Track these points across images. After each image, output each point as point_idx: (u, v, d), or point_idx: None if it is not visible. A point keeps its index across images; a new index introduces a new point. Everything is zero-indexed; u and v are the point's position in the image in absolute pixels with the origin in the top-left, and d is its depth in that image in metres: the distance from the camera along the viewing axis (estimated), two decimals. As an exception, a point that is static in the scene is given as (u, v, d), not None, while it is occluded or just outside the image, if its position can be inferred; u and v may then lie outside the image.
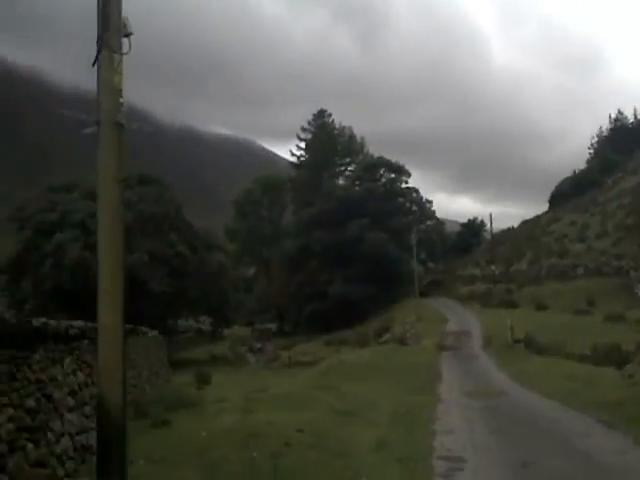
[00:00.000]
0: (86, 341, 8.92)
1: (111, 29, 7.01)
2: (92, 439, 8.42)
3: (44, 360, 7.23)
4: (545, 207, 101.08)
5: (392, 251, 62.73)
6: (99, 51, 6.99)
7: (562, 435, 9.67)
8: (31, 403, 6.68)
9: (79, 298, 29.98)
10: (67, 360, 8.13)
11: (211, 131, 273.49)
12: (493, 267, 58.98)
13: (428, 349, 29.52)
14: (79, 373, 8.59)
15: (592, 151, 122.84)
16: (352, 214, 63.06)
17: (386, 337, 41.71)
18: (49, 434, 7.06)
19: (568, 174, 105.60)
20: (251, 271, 79.82)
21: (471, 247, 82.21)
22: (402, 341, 35.56)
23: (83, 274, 35.08)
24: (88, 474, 6.75)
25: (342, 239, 62.66)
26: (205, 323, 59.13)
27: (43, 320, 7.46)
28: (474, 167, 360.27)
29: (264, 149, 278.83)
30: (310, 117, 79.28)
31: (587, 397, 12.71)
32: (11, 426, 6.12)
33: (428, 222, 75.51)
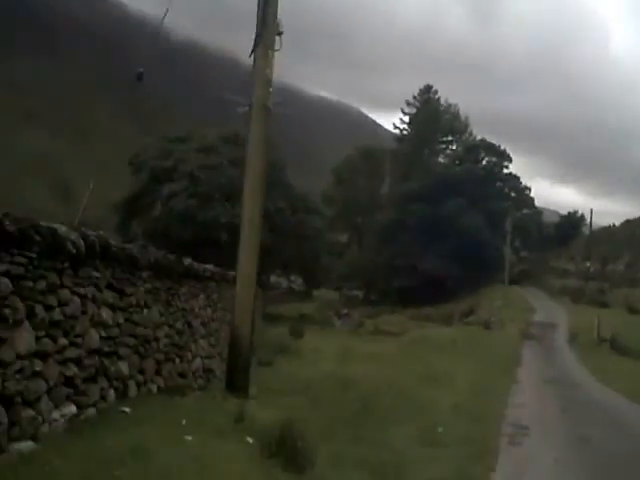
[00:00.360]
0: (214, 283, 10.51)
1: (268, 28, 8.40)
2: (215, 364, 10.07)
3: (187, 294, 8.79)
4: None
5: (486, 234, 62.70)
6: (256, 45, 8.40)
7: (625, 423, 10.56)
8: (179, 326, 8.28)
9: (185, 245, 32.19)
10: (201, 296, 9.71)
11: (314, 93, 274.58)
12: (588, 264, 58.13)
13: (512, 335, 30.09)
14: (208, 309, 10.19)
15: None
16: (449, 193, 63.29)
17: (471, 319, 42.47)
18: (188, 354, 8.67)
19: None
20: (344, 237, 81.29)
21: (568, 240, 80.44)
22: (486, 325, 36.27)
23: (190, 223, 37.47)
24: (216, 390, 8.27)
25: (437, 216, 63.07)
26: (296, 282, 61.23)
27: (189, 261, 9.02)
28: (581, 158, 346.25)
29: (366, 116, 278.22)
30: (416, 89, 79.54)
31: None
32: (167, 341, 7.72)
33: (525, 210, 74.51)
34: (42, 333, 4.63)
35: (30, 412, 4.45)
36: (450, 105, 79.09)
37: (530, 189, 78.00)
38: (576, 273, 62.52)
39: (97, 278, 5.59)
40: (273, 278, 55.84)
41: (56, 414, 4.82)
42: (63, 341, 4.94)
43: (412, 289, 60.85)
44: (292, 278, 60.20)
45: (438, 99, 79.34)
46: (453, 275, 61.26)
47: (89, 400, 5.37)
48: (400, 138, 79.67)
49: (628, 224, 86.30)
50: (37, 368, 4.52)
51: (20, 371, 4.31)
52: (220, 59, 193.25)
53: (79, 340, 5.21)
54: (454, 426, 8.67)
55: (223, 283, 10.68)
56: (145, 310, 6.87)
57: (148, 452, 4.67)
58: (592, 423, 10.17)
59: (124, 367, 6.16)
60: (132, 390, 6.40)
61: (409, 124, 78.68)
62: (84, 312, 5.31)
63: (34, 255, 4.51)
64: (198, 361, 9.12)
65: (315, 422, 7.09)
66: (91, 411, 5.38)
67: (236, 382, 7.78)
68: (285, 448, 5.47)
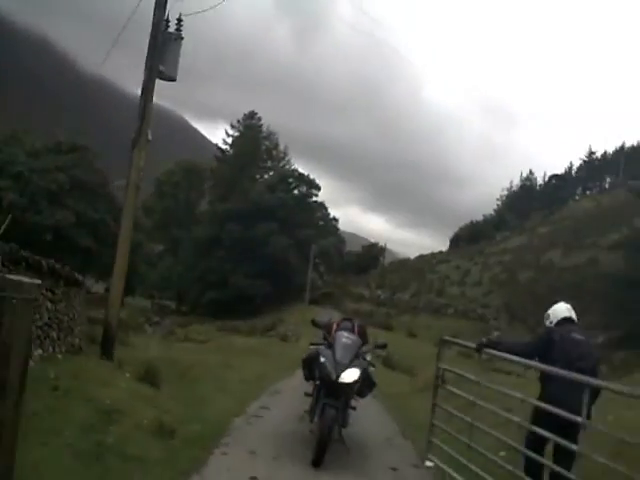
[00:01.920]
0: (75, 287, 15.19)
1: (143, 136, 13.46)
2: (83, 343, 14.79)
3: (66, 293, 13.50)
4: (447, 245, 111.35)
5: (294, 258, 69.96)
6: (134, 147, 13.34)
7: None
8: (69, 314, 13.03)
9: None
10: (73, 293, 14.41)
11: (131, 91, 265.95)
12: (380, 292, 67.14)
13: (303, 346, 36.33)
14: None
15: (500, 202, 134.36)
16: (263, 217, 69.92)
17: (272, 332, 48.63)
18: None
19: (478, 217, 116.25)
20: (159, 248, 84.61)
21: (368, 268, 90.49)
22: (283, 337, 42.62)
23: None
24: (94, 356, 13.02)
25: (250, 237, 69.43)
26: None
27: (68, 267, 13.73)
28: (392, 190, 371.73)
29: (189, 124, 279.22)
30: (240, 103, 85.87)
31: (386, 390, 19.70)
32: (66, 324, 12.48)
33: (331, 238, 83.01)
34: None
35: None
36: (271, 133, 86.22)
37: (338, 220, 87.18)
38: (370, 299, 71.39)
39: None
40: (91, 283, 58.57)
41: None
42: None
43: (223, 303, 66.39)
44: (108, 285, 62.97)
45: (260, 126, 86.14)
46: (262, 292, 67.80)
47: (44, 347, 10.22)
48: (221, 159, 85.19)
49: (420, 258, 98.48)
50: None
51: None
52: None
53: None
54: (238, 387, 14.20)
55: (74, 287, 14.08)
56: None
57: (82, 372, 9.66)
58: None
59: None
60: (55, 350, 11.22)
61: (231, 146, 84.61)
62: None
63: None
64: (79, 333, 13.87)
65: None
66: (45, 353, 10.23)
67: (107, 351, 12.73)
68: (149, 375, 10.67)
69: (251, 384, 15.31)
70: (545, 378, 6.52)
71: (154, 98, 13.07)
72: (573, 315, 7.08)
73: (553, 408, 5.84)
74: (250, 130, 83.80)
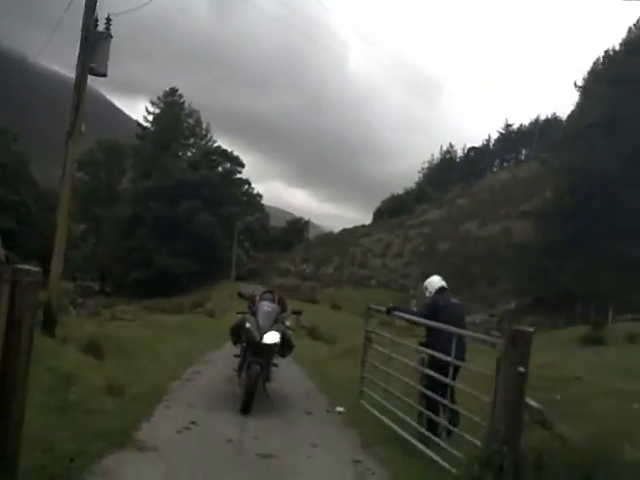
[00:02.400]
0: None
1: (76, 130, 14.63)
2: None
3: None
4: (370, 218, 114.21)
5: (218, 235, 71.06)
6: (69, 137, 14.54)
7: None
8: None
9: None
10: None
11: (47, 67, 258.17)
12: (305, 266, 69.08)
13: (230, 321, 37.82)
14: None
15: (421, 175, 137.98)
16: (187, 195, 70.63)
17: (199, 309, 49.88)
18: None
19: (401, 190, 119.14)
20: (81, 228, 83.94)
21: (293, 244, 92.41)
22: (211, 314, 44.04)
23: None
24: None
25: (174, 215, 70.08)
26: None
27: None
28: (315, 164, 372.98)
29: (105, 98, 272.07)
30: (159, 78, 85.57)
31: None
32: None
33: (256, 214, 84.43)
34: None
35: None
36: (193, 111, 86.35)
37: (262, 196, 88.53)
38: (295, 273, 73.37)
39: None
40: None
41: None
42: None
43: (148, 282, 66.95)
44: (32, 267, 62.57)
45: (182, 102, 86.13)
46: (188, 270, 68.70)
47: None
48: (142, 137, 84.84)
49: (344, 232, 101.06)
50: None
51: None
52: None
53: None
54: (172, 358, 15.69)
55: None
56: None
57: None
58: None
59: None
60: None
61: (152, 123, 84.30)
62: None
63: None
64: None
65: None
66: None
67: (50, 329, 13.96)
68: (92, 348, 12.05)
69: (183, 355, 16.80)
70: (434, 335, 8.36)
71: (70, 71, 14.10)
72: (445, 284, 9.01)
73: (441, 355, 7.66)
74: (171, 107, 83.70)
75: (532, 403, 6.03)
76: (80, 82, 14.15)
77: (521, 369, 5.58)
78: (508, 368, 5.71)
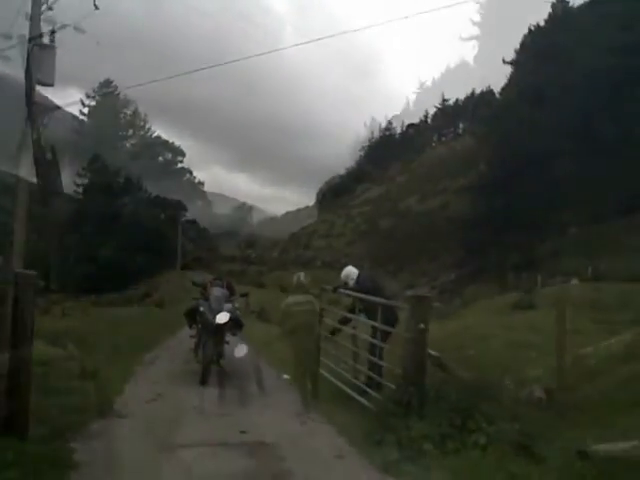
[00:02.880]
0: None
1: (24, 160, 15.68)
2: None
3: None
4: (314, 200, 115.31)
5: (162, 226, 71.65)
6: (18, 165, 15.65)
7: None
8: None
9: None
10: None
11: None
12: (250, 251, 70.36)
13: (179, 310, 38.95)
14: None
15: (362, 154, 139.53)
16: (129, 187, 70.85)
17: (147, 300, 50.80)
18: None
19: (341, 170, 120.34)
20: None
21: (238, 230, 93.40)
22: (160, 304, 45.02)
23: None
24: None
25: (117, 208, 70.25)
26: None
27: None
28: (256, 147, 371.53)
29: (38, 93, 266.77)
30: (91, 68, 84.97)
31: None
32: None
33: (199, 202, 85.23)
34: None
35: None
36: (129, 101, 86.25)
37: (203, 183, 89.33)
38: (241, 259, 74.55)
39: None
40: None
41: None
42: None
43: (95, 277, 67.01)
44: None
45: (118, 94, 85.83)
46: (135, 263, 69.01)
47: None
48: (79, 131, 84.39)
49: (287, 215, 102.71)
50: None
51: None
52: None
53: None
54: (130, 347, 17.01)
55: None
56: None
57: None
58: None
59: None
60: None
61: (89, 117, 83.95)
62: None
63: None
64: None
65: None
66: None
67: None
68: (58, 340, 13.32)
69: (140, 344, 18.10)
70: (369, 308, 9.89)
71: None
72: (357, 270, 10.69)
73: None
74: (107, 99, 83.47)
75: (432, 352, 7.64)
76: (28, 92, 15.23)
77: (421, 325, 7.18)
78: (412, 326, 7.31)
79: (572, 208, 49.83)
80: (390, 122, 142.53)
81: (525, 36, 65.55)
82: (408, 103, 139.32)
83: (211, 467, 6.38)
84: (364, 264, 64.12)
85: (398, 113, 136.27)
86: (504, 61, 67.60)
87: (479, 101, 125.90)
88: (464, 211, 63.18)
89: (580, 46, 51.26)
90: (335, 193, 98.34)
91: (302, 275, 10.73)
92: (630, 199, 46.73)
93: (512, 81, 67.79)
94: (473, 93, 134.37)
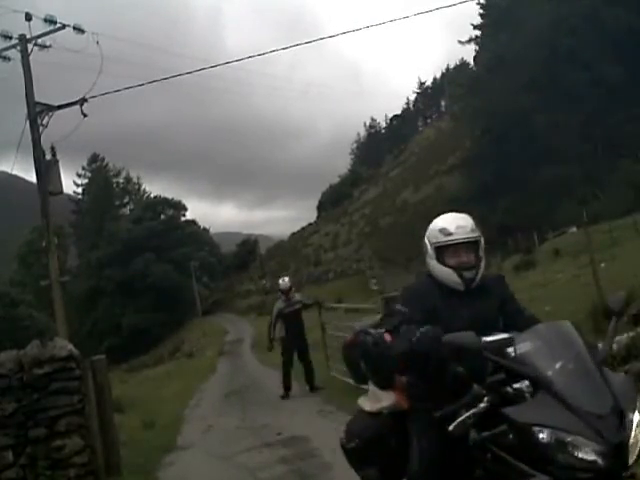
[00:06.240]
0: None
1: (52, 248, 18.25)
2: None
3: None
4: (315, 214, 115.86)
5: (177, 279, 74.37)
6: (46, 251, 18.17)
7: (252, 372, 22.24)
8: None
9: None
10: None
11: None
12: (264, 281, 72.70)
13: (210, 357, 41.30)
14: None
15: (352, 157, 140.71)
16: (137, 251, 73.65)
17: (178, 354, 53.23)
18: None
19: (335, 179, 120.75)
20: (42, 316, 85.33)
21: (247, 264, 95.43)
22: (190, 355, 47.48)
23: None
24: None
25: (130, 275, 73.07)
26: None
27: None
28: (234, 172, 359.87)
29: (24, 180, 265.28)
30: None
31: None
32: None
33: (206, 248, 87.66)
34: None
35: None
36: (120, 169, 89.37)
37: (208, 229, 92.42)
38: (257, 291, 76.74)
39: None
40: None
41: None
42: None
43: (122, 346, 69.56)
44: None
45: (107, 165, 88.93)
46: (156, 322, 71.68)
47: None
48: (77, 210, 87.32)
49: (293, 236, 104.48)
50: None
51: None
52: None
53: None
54: (174, 398, 19.50)
55: None
56: None
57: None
58: (242, 373, 21.77)
59: None
60: None
61: (84, 195, 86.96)
62: None
63: None
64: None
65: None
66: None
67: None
68: (115, 405, 15.84)
69: (181, 393, 20.65)
70: None
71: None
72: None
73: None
74: (98, 173, 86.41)
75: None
76: (44, 206, 17.90)
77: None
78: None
79: (558, 155, 51.69)
80: (373, 118, 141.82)
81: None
82: (408, 103, 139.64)
83: (260, 459, 8.85)
84: (373, 265, 66.41)
85: (398, 113, 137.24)
86: (460, 42, 70.25)
87: (454, 76, 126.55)
88: (458, 188, 65.02)
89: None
90: (335, 203, 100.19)
91: (286, 279, 13.78)
92: (609, 139, 49.25)
93: (479, 52, 70.22)
94: (448, 68, 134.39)
